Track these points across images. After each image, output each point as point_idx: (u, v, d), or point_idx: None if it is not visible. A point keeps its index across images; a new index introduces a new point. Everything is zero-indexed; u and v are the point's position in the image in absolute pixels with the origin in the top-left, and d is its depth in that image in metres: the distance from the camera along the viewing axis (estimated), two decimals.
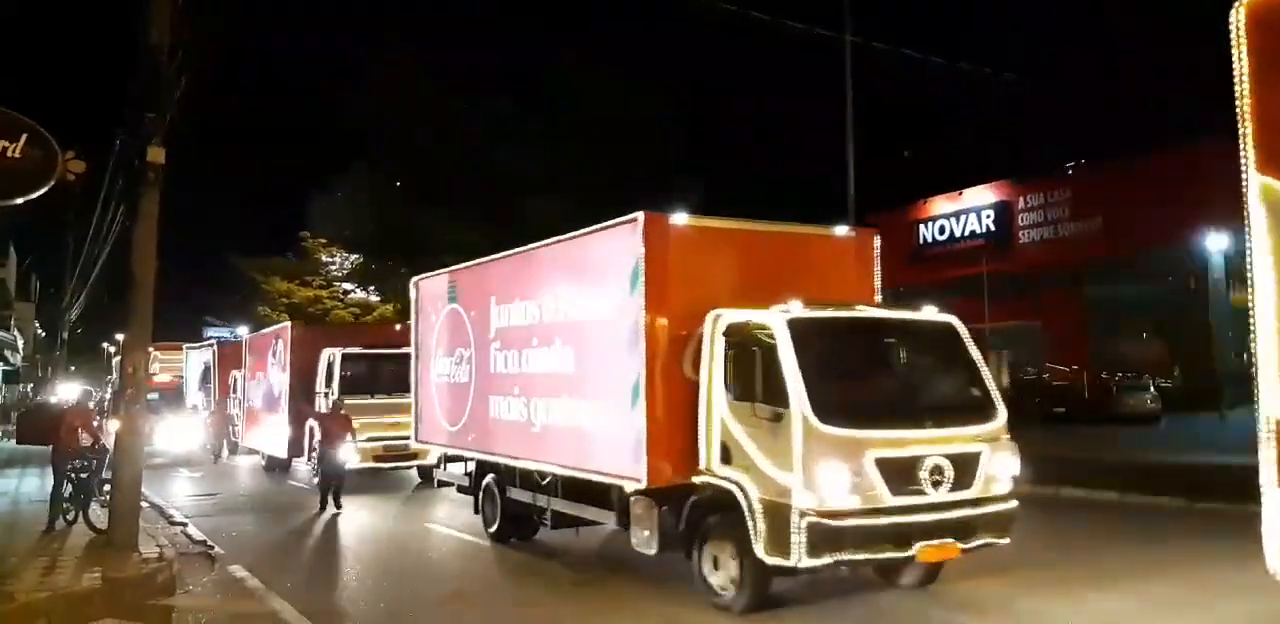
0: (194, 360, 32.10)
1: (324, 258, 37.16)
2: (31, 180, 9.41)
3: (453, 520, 13.16)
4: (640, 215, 8.13)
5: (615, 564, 9.79)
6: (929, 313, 8.11)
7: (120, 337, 19.12)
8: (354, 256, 36.88)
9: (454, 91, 32.75)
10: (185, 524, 12.96)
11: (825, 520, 6.65)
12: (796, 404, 6.83)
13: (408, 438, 15.82)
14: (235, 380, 25.20)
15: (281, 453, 19.39)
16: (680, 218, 8.32)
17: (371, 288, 36.67)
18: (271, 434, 20.25)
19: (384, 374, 17.64)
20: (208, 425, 26.30)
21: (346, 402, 16.47)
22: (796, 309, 7.36)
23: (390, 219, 33.31)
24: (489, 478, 11.49)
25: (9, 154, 9.14)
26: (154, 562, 9.51)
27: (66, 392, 34.05)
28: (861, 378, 7.59)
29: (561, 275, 9.50)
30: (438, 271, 12.89)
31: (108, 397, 31.83)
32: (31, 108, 9.61)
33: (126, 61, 10.84)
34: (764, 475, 7.08)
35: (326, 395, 17.20)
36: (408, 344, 18.66)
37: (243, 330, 33.03)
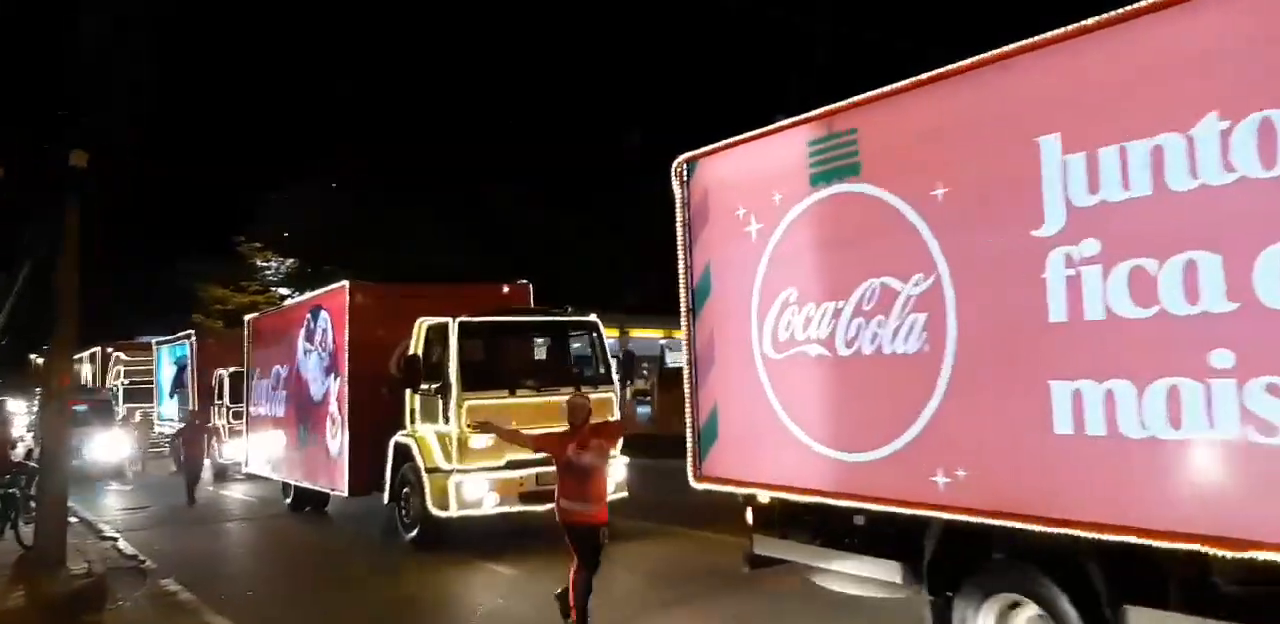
0: (165, 359, 25.76)
1: (259, 262, 36.78)
2: None
3: None
4: None
5: None
6: None
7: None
8: (290, 261, 36.66)
9: (397, 80, 34.39)
10: (116, 539, 12.38)
11: None
12: None
13: None
14: (222, 381, 19.82)
15: (335, 486, 12.40)
16: None
17: (309, 291, 33.54)
18: (310, 457, 13.34)
19: (528, 357, 11.67)
20: (178, 446, 19.86)
21: (472, 401, 10.10)
22: None
23: (328, 218, 33.02)
24: (985, 575, 5.00)
25: None
26: (83, 577, 9.50)
27: None
28: None
29: None
30: (767, 129, 6.28)
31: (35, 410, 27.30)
32: None
33: (50, 63, 10.85)
34: None
35: (437, 393, 10.33)
36: (526, 310, 11.92)
37: None
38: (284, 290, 35.34)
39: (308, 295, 14.27)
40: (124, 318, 36.92)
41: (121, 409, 27.35)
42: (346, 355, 12.01)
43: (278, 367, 14.97)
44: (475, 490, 10.00)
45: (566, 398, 10.04)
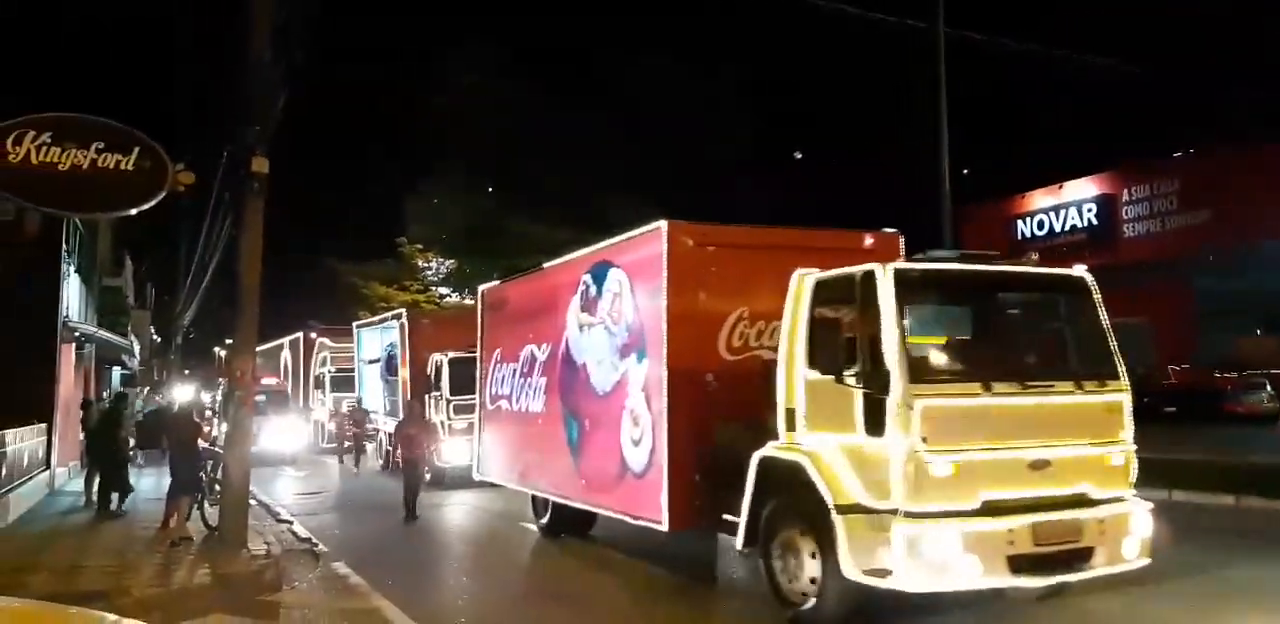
0: (368, 343, 23.15)
1: (420, 263, 38.33)
2: (143, 192, 10.22)
3: None
4: None
5: None
6: None
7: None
8: (449, 261, 38.38)
9: (536, 89, 34.60)
10: (291, 522, 12.80)
11: None
12: None
13: (1077, 498, 6.64)
14: (440, 368, 17.32)
15: (642, 513, 8.89)
16: None
17: (467, 291, 36.27)
18: (590, 468, 10.04)
19: (989, 333, 7.51)
20: (392, 445, 17.86)
21: (929, 401, 6.29)
22: None
23: (482, 220, 34.75)
24: None
25: (122, 167, 9.93)
26: (261, 558, 10.01)
27: (181, 395, 31.79)
28: None
29: None
30: None
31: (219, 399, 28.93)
32: (142, 122, 10.35)
33: (230, 75, 11.16)
34: None
35: (865, 385, 6.57)
36: (981, 256, 7.62)
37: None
38: (444, 290, 38.03)
39: (583, 251, 10.71)
40: (294, 310, 39.33)
41: (328, 398, 26.78)
42: (666, 327, 8.54)
43: (531, 347, 11.77)
44: (942, 549, 6.10)
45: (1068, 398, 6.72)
